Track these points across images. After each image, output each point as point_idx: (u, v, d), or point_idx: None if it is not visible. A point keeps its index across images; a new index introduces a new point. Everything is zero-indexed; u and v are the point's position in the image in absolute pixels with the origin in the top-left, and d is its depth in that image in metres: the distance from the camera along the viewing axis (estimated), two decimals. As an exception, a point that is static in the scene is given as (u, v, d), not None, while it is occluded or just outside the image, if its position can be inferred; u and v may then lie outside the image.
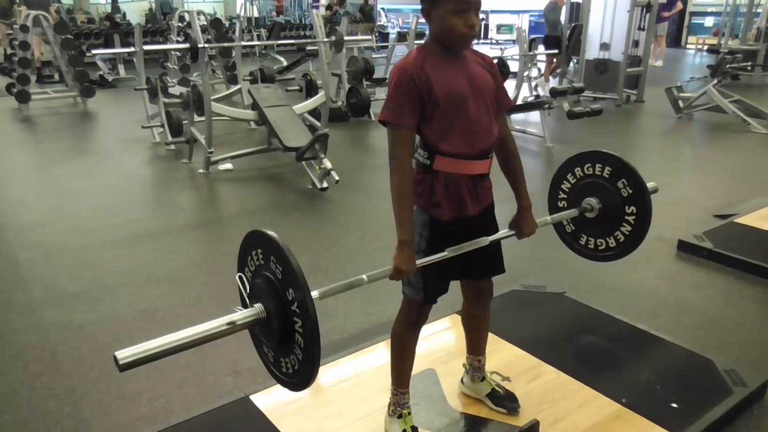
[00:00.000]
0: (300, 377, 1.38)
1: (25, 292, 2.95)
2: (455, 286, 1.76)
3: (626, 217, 1.95)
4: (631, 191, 1.93)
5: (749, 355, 2.39)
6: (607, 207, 1.98)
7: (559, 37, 9.14)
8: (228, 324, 1.32)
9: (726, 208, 3.98)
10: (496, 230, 1.71)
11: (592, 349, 2.32)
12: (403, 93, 1.48)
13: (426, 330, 2.32)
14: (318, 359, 1.30)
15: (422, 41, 1.72)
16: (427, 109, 1.51)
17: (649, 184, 1.98)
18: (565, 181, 2.07)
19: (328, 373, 2.15)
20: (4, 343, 2.49)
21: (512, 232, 1.74)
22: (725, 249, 3.23)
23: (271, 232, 1.35)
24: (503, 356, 2.19)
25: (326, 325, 2.62)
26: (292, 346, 1.36)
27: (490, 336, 1.98)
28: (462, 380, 2.00)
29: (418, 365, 1.80)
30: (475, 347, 1.92)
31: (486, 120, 1.57)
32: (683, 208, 4.12)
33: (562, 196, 2.09)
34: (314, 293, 1.34)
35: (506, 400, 1.91)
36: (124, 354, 1.20)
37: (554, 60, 9.37)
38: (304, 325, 1.30)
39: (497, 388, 1.93)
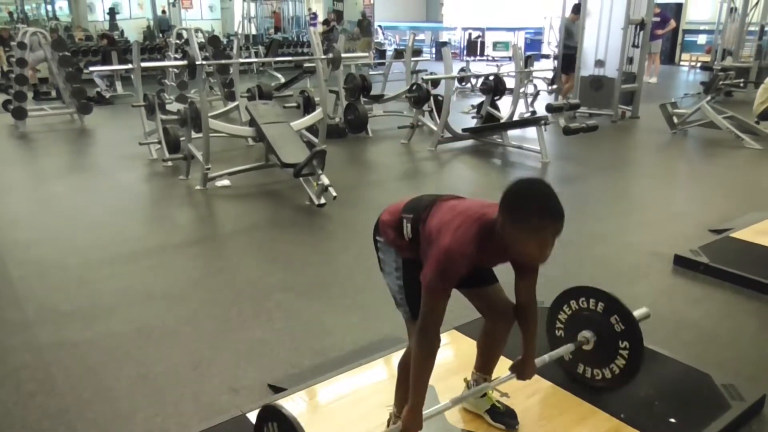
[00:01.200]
0: None
1: (19, 310, 2.92)
2: (457, 299, 1.73)
3: (620, 351, 1.99)
4: (623, 327, 1.98)
5: (747, 370, 2.39)
6: (601, 340, 2.03)
7: (573, 55, 8.80)
8: None
9: (721, 223, 4.00)
10: None
11: (590, 364, 2.31)
12: (453, 275, 1.48)
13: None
14: None
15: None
16: None
17: (639, 312, 2.04)
18: (561, 312, 2.14)
19: (326, 390, 2.14)
20: (-2, 362, 2.47)
21: (513, 375, 1.82)
22: (721, 264, 3.23)
23: (285, 410, 1.40)
24: (501, 372, 2.17)
25: (325, 342, 2.61)
26: None
27: (488, 352, 1.96)
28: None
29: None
30: (486, 366, 1.91)
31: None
32: (679, 223, 4.14)
33: (560, 325, 2.16)
34: None
35: (506, 417, 1.91)
36: None
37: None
38: None
39: (497, 404, 1.93)
